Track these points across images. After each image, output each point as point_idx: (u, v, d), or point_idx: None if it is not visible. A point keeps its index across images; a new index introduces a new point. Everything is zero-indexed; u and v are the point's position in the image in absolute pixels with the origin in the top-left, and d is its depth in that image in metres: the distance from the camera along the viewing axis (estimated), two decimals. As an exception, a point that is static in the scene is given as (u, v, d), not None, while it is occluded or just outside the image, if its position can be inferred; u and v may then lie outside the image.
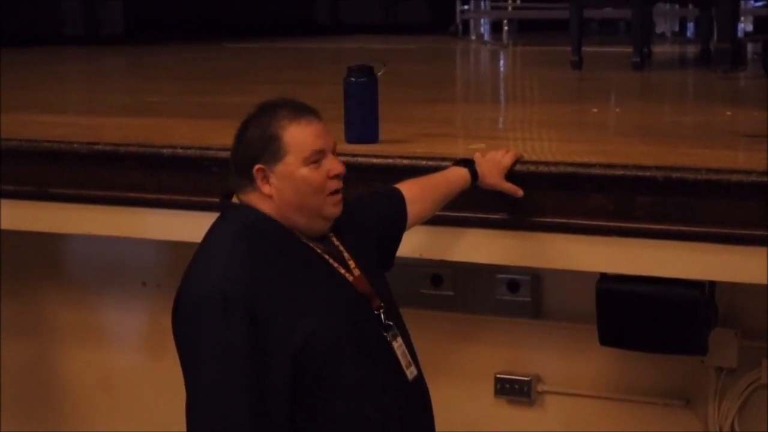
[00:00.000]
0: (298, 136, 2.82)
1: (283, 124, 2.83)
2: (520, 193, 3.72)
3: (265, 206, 2.85)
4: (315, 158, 2.83)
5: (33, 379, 5.56)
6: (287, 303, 2.74)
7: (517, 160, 3.76)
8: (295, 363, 2.72)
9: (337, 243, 2.93)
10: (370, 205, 3.23)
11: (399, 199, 3.33)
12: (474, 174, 3.63)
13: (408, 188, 3.39)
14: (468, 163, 3.67)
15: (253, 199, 2.85)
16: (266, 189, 2.83)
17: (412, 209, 3.34)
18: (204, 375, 2.70)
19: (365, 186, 3.24)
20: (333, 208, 2.89)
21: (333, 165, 2.87)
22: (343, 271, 2.88)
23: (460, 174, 3.62)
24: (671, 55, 9.10)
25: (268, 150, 2.81)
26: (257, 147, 2.82)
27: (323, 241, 2.91)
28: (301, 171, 2.82)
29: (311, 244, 2.88)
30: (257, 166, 2.82)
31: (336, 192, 2.88)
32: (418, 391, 2.98)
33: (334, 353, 2.78)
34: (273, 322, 2.71)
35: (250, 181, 2.84)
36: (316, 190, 2.84)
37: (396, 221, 3.29)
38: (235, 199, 2.92)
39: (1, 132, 4.63)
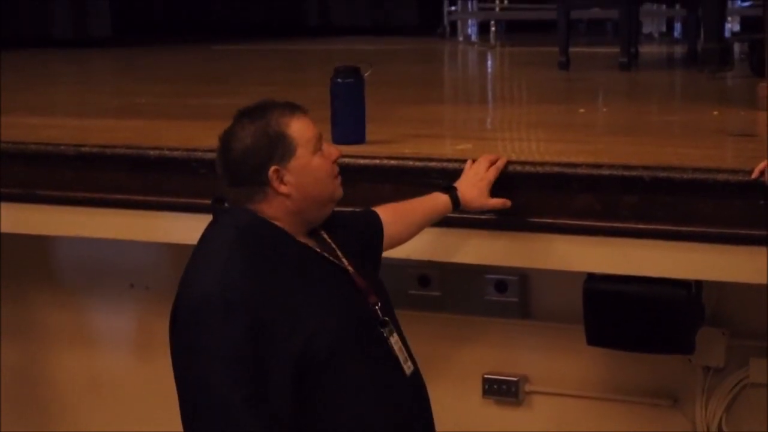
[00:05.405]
0: (301, 128, 2.86)
1: (284, 121, 2.85)
2: (508, 204, 3.72)
3: (275, 210, 2.85)
4: (319, 146, 2.89)
5: (22, 381, 5.56)
6: (287, 305, 2.75)
7: (505, 166, 3.76)
8: (297, 364, 2.72)
9: (329, 240, 2.96)
10: (350, 218, 3.24)
11: (375, 217, 3.35)
12: (456, 201, 3.63)
13: (382, 210, 3.41)
14: (451, 189, 3.66)
15: (262, 206, 2.85)
16: (283, 189, 2.83)
17: (388, 230, 3.35)
18: (206, 380, 2.70)
19: (351, 186, 3.24)
20: (340, 189, 2.98)
21: (332, 149, 2.96)
22: (342, 263, 2.91)
23: (441, 200, 3.62)
24: (658, 55, 9.10)
25: (279, 149, 2.83)
26: (264, 150, 2.82)
27: (317, 239, 2.92)
28: (315, 160, 2.88)
29: (308, 243, 2.89)
30: (273, 168, 2.82)
31: (339, 174, 2.97)
32: (417, 385, 3.00)
33: (336, 352, 2.79)
34: (274, 325, 2.72)
35: (260, 186, 2.84)
36: (329, 175, 2.92)
37: (373, 238, 3.29)
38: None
39: (-12, 134, 4.63)
